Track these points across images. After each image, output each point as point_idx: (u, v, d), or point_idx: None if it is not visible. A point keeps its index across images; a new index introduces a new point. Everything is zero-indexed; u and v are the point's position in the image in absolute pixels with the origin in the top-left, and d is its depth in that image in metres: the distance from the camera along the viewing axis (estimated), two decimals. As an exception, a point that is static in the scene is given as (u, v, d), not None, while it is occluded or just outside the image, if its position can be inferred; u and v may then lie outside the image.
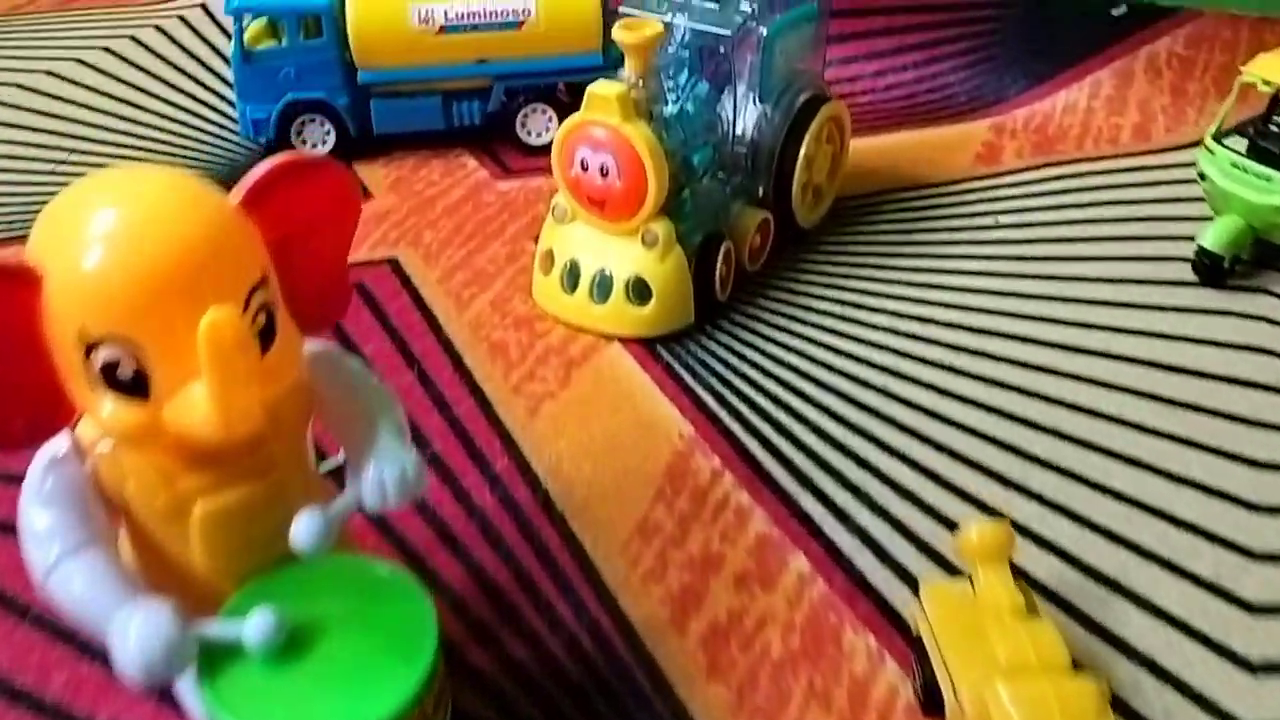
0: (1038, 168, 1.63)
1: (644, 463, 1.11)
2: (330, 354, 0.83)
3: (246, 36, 1.63)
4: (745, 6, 1.31)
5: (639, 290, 1.28)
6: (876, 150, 1.68)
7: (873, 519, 1.04)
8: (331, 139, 1.69)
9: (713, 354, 1.27)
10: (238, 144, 1.74)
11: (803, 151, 1.39)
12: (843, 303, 1.35)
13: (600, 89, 1.21)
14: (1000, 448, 1.12)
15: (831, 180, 1.51)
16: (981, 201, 1.55)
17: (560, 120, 1.63)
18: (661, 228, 1.25)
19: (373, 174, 1.67)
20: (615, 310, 1.28)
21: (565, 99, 1.71)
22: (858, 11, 1.93)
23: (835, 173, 1.52)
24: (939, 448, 1.12)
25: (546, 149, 1.61)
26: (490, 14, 1.62)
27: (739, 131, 1.38)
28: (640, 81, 1.24)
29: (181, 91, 1.93)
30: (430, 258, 1.45)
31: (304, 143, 1.69)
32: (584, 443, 1.14)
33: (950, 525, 1.02)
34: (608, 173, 1.23)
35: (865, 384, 1.21)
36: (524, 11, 1.63)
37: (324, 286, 0.79)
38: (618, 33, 1.21)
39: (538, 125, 1.71)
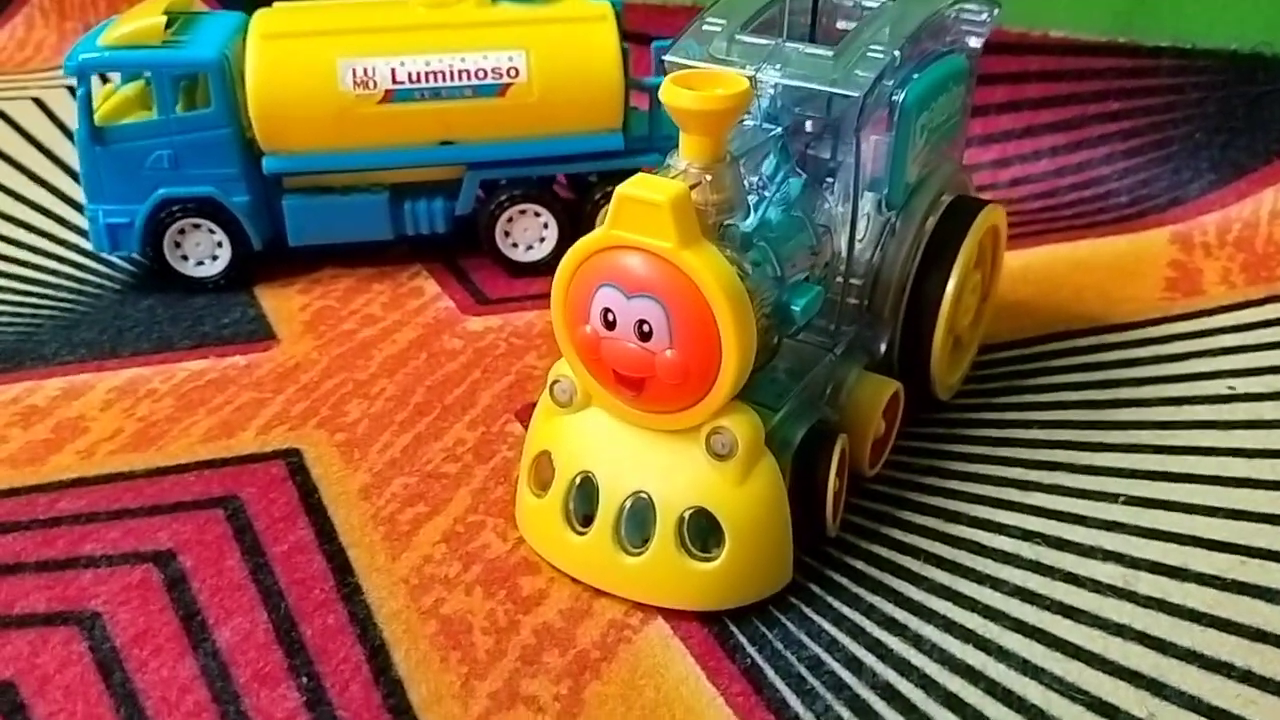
0: (1260, 302, 1.11)
1: None
2: None
3: (99, 107, 1.11)
4: (876, 53, 0.79)
5: (701, 531, 0.74)
6: (1018, 273, 1.16)
7: None
8: (225, 254, 1.16)
9: (820, 635, 0.73)
10: (85, 265, 1.21)
11: (951, 284, 0.87)
12: (1001, 529, 0.81)
13: (642, 190, 0.68)
14: None
15: (977, 324, 0.99)
16: (1190, 356, 1.03)
17: (560, 226, 1.12)
18: (741, 425, 0.72)
19: (283, 304, 1.14)
20: (659, 563, 0.74)
21: (567, 196, 1.19)
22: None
23: (982, 313, 0.99)
24: None
25: (538, 267, 1.11)
26: (460, 74, 1.11)
27: (853, 253, 0.86)
28: (707, 178, 0.72)
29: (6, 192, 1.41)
30: (353, 449, 0.91)
31: (184, 259, 1.16)
32: None
33: None
34: (651, 333, 0.70)
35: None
36: (509, 70, 1.11)
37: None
38: (674, 94, 0.69)
39: (527, 234, 1.18)
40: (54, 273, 1.20)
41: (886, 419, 0.87)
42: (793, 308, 0.75)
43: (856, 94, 0.76)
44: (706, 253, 0.68)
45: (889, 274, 0.88)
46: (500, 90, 1.11)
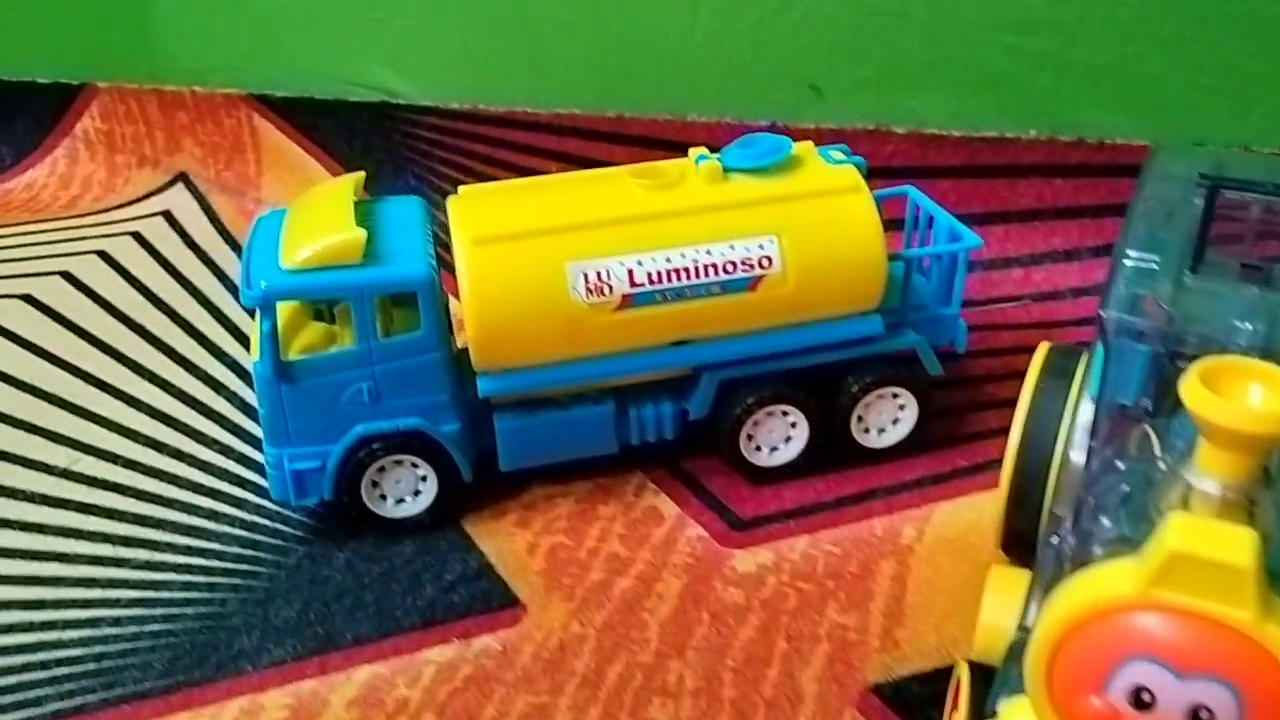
0: None
1: None
2: None
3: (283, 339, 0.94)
4: None
5: None
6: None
7: None
8: (430, 489, 0.98)
9: None
10: (259, 522, 1.03)
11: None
12: None
13: (1207, 545, 0.52)
14: None
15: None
16: None
17: (810, 424, 0.97)
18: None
19: (505, 546, 0.96)
20: None
21: (805, 393, 1.03)
22: None
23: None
24: None
25: (784, 472, 0.95)
26: (706, 269, 0.94)
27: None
28: (1253, 508, 0.56)
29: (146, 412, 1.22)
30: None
31: (382, 499, 0.98)
32: None
33: None
34: (1214, 722, 0.54)
35: None
36: (760, 261, 0.95)
37: None
38: (1220, 409, 0.53)
39: (772, 435, 1.02)
40: (223, 536, 1.01)
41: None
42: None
43: None
44: (1291, 624, 0.53)
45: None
46: (751, 284, 0.95)
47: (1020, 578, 0.79)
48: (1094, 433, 0.74)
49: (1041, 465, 0.83)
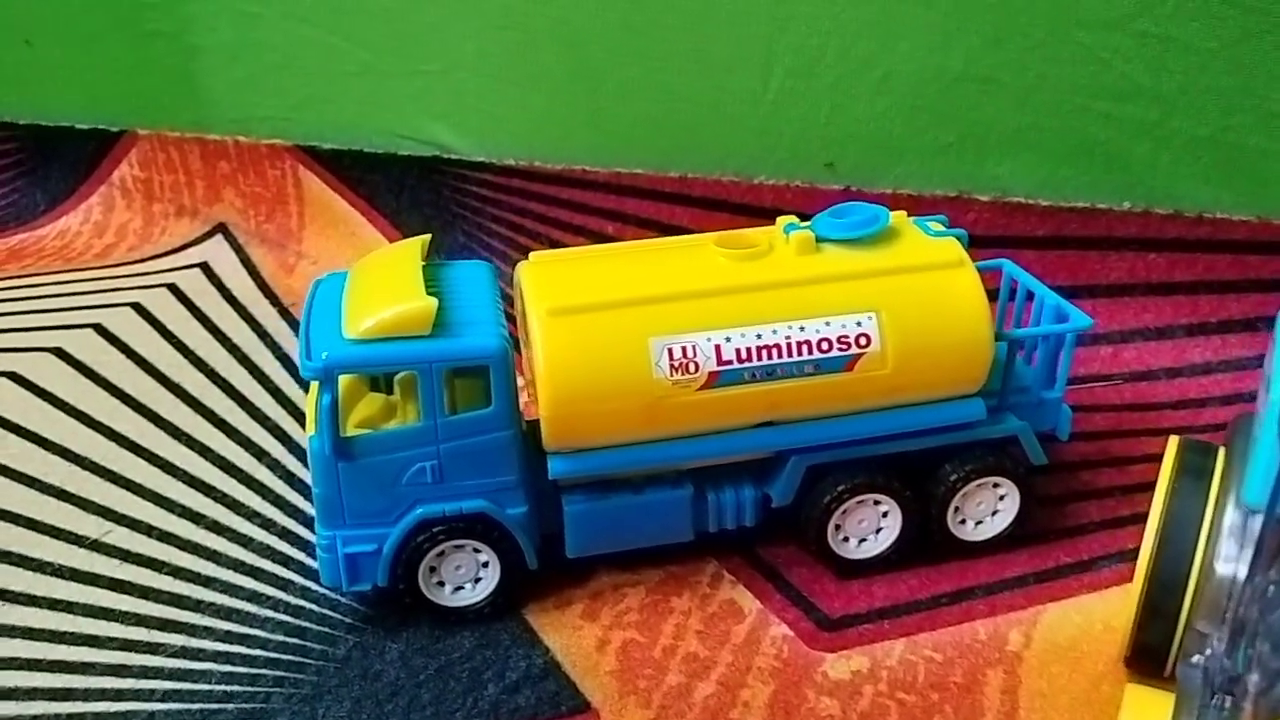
0: None
1: None
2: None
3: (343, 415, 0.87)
4: None
5: None
6: None
7: None
8: (492, 576, 0.91)
9: None
10: (306, 607, 0.95)
11: None
12: None
13: None
14: None
15: None
16: None
17: (904, 516, 0.91)
18: None
19: (573, 642, 0.89)
20: None
21: (899, 481, 0.95)
22: None
23: None
24: None
25: (873, 565, 0.88)
26: (799, 347, 0.87)
27: None
28: None
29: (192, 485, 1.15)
30: None
31: (440, 586, 0.91)
32: None
33: None
34: None
35: None
36: (858, 339, 0.88)
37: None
38: None
39: (863, 526, 0.94)
40: (267, 621, 0.93)
41: None
42: None
43: None
44: None
45: None
46: (847, 364, 0.88)
47: (1162, 701, 0.71)
48: (1258, 547, 0.67)
49: (1179, 574, 0.75)
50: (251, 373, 1.32)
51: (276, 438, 1.18)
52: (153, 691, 0.85)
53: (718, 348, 0.86)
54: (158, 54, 1.62)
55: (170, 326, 1.44)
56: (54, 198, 1.79)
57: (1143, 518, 0.78)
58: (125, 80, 1.67)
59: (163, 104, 1.66)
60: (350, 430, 0.87)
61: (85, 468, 1.14)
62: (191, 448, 1.17)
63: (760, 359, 0.87)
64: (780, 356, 0.87)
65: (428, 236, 0.96)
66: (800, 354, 0.87)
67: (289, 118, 1.58)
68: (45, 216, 1.78)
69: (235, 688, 0.85)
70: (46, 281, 1.58)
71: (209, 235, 1.67)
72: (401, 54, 1.46)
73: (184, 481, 1.11)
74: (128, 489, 1.10)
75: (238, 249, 1.64)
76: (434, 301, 0.83)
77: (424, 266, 0.91)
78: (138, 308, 1.49)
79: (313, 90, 1.54)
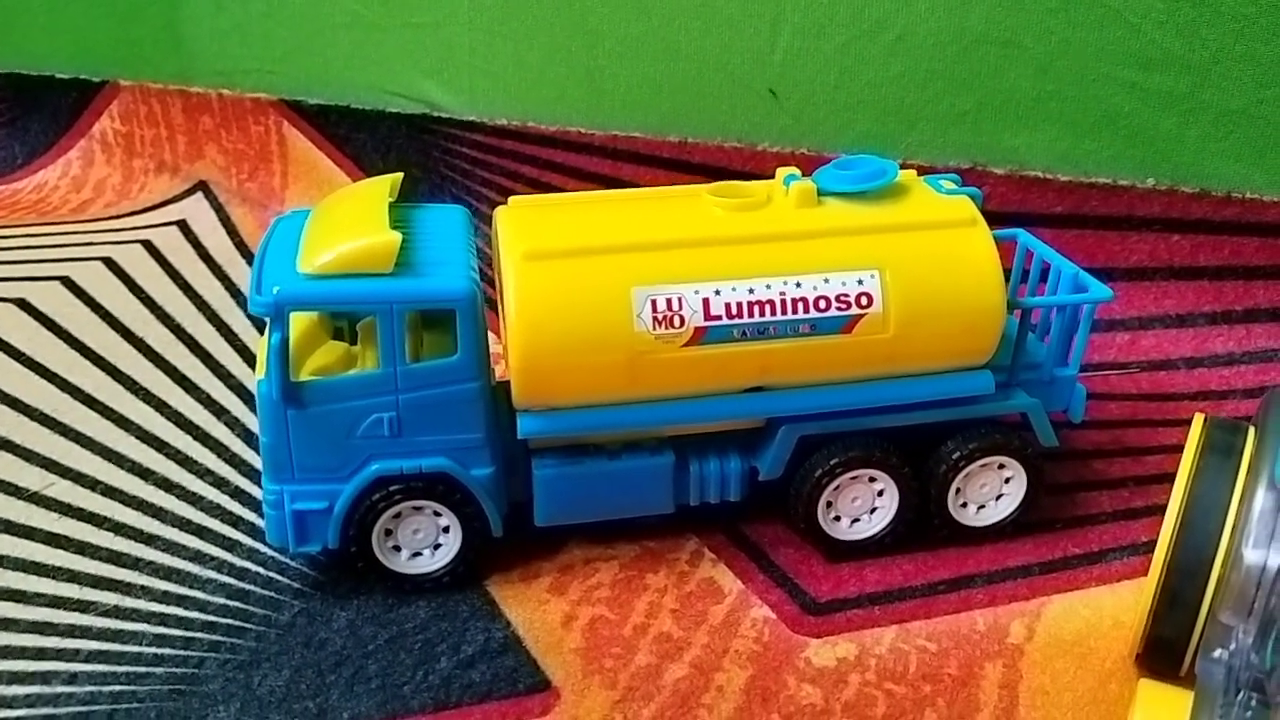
0: None
1: None
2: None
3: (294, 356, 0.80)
4: None
5: None
6: None
7: None
8: (452, 543, 0.84)
9: None
10: (250, 569, 0.88)
11: None
12: None
13: None
14: None
15: None
16: None
17: (901, 495, 0.84)
18: None
19: (537, 616, 0.82)
20: None
21: (898, 457, 0.88)
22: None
23: None
24: None
25: (866, 548, 0.81)
26: (794, 304, 0.80)
27: None
28: None
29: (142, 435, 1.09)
30: None
31: (396, 551, 0.84)
32: None
33: None
34: None
35: None
36: (859, 299, 0.81)
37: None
38: None
39: (856, 505, 0.87)
40: (208, 583, 0.86)
41: None
42: None
43: None
44: None
45: None
46: (846, 325, 0.81)
47: (1179, 699, 0.64)
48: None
49: (1202, 561, 0.68)
50: (220, 330, 1.25)
51: (239, 396, 1.11)
52: (77, 651, 0.79)
53: (706, 301, 0.79)
54: (143, 1, 1.56)
55: (141, 282, 1.37)
56: (32, 150, 1.73)
57: (1158, 510, 0.71)
58: (109, 27, 1.61)
59: (146, 53, 1.60)
60: (304, 377, 0.81)
61: (34, 419, 1.07)
62: (148, 402, 1.10)
63: (751, 315, 0.80)
64: (773, 314, 0.80)
65: (399, 175, 0.90)
66: (795, 312, 0.80)
67: (274, 70, 1.51)
68: (23, 170, 1.72)
69: (167, 650, 0.79)
70: (18, 234, 1.52)
71: (189, 193, 1.61)
72: (391, 4, 1.39)
73: (136, 436, 1.04)
74: (76, 441, 1.04)
75: (218, 208, 1.57)
76: (397, 236, 0.76)
77: (392, 205, 0.84)
78: (108, 262, 1.42)
79: (299, 41, 1.48)
